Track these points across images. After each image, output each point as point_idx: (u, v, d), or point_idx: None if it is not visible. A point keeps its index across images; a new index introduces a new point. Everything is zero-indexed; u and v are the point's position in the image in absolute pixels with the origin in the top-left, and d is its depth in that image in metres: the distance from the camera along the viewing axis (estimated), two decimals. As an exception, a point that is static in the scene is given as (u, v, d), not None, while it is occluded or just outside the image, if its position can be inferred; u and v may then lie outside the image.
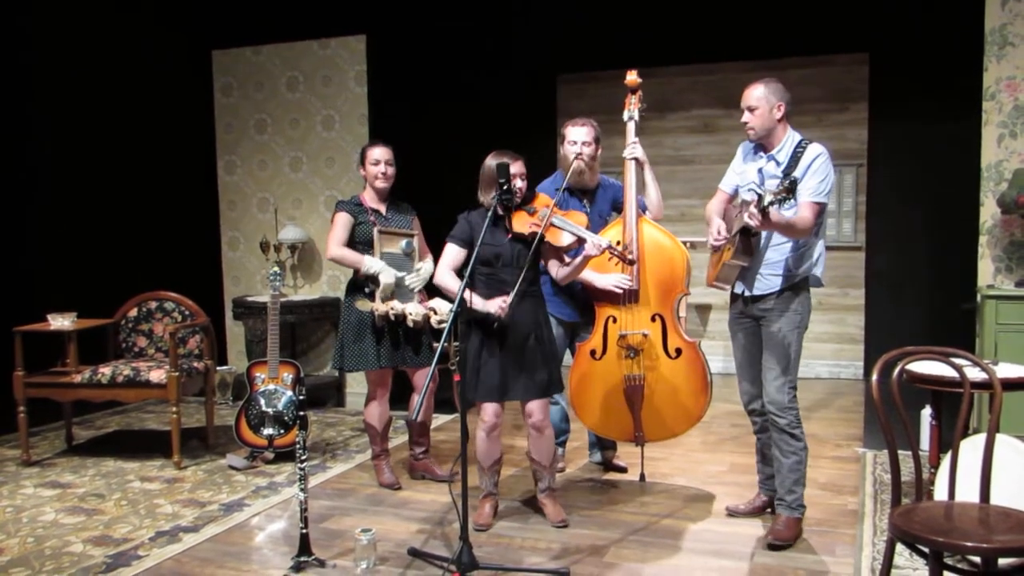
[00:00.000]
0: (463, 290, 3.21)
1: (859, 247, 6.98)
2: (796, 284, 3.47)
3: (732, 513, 3.82)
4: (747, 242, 3.43)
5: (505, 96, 7.03)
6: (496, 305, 3.44)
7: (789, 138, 3.48)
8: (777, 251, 3.48)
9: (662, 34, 6.93)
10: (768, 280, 3.49)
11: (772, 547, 3.42)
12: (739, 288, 3.58)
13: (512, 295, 3.44)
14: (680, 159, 7.42)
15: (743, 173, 3.63)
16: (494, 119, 6.78)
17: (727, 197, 3.69)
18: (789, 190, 3.11)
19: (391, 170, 4.21)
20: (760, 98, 3.44)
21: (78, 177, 6.54)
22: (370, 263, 4.09)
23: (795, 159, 3.42)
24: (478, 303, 3.48)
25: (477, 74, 7.10)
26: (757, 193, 3.32)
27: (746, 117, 3.49)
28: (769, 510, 3.80)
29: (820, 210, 3.39)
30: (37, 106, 6.34)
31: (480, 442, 3.70)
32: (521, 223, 3.53)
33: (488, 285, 3.54)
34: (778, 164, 3.46)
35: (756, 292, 3.53)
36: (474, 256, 3.33)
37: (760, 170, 3.53)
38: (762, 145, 3.53)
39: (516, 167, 3.55)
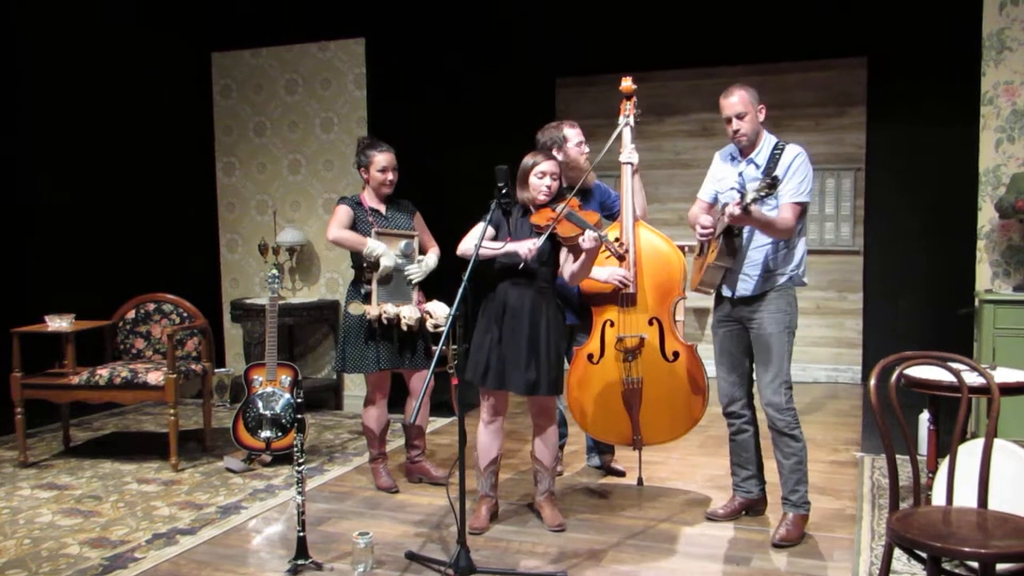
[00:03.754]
0: (462, 294, 3.22)
1: (857, 251, 6.98)
2: (781, 285, 3.52)
3: (711, 518, 3.82)
4: (730, 243, 3.50)
5: (504, 99, 7.03)
6: (525, 247, 3.43)
7: (766, 141, 3.55)
8: (759, 252, 3.53)
9: (660, 38, 6.94)
10: (752, 281, 3.54)
11: (779, 547, 3.43)
12: (726, 291, 3.62)
13: (542, 239, 3.44)
14: (679, 163, 7.43)
15: (722, 180, 3.68)
16: (493, 122, 6.78)
17: (706, 206, 3.76)
18: (771, 186, 3.19)
19: (396, 176, 4.22)
20: (748, 103, 3.49)
21: (77, 178, 6.53)
22: (373, 245, 4.09)
23: (773, 161, 3.47)
24: (509, 246, 3.49)
25: (476, 77, 7.11)
26: (739, 192, 3.37)
27: (736, 125, 3.51)
28: (745, 512, 3.82)
29: (801, 210, 3.46)
30: (36, 108, 6.33)
31: (480, 435, 3.71)
32: (541, 217, 3.57)
33: (501, 276, 3.57)
34: (757, 167, 3.52)
35: (740, 293, 3.58)
36: (473, 256, 3.34)
37: (740, 174, 3.58)
38: (740, 151, 3.58)
39: (549, 166, 3.61)
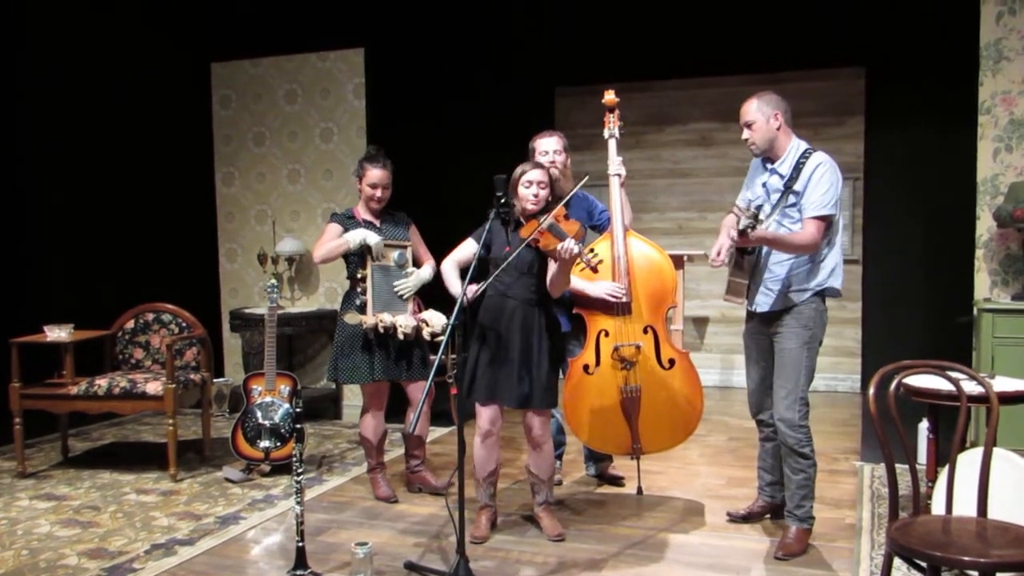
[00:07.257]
0: (461, 301, 3.22)
1: (856, 260, 6.98)
2: (804, 300, 3.44)
3: (733, 518, 3.84)
4: (741, 260, 3.48)
5: (503, 109, 7.04)
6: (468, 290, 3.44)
7: (793, 148, 3.47)
8: (782, 266, 3.46)
9: (660, 48, 6.95)
10: (771, 296, 3.48)
11: (781, 560, 3.42)
12: (749, 305, 3.59)
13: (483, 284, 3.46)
14: (678, 172, 7.42)
15: (753, 188, 3.63)
16: (492, 132, 6.79)
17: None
18: (755, 217, 3.19)
19: (387, 194, 4.21)
20: (755, 112, 3.45)
21: (76, 188, 6.53)
22: (351, 236, 4.08)
23: (797, 170, 3.40)
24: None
25: (475, 86, 7.12)
26: (736, 216, 3.35)
27: (746, 134, 3.49)
28: (768, 516, 3.82)
29: (826, 224, 3.37)
30: (36, 118, 6.34)
31: (476, 449, 3.69)
32: (528, 229, 3.55)
33: (492, 287, 3.57)
34: (781, 177, 3.45)
35: (760, 309, 3.53)
36: (473, 264, 3.35)
37: (764, 184, 3.53)
38: (769, 158, 3.53)
39: (536, 175, 3.59)
